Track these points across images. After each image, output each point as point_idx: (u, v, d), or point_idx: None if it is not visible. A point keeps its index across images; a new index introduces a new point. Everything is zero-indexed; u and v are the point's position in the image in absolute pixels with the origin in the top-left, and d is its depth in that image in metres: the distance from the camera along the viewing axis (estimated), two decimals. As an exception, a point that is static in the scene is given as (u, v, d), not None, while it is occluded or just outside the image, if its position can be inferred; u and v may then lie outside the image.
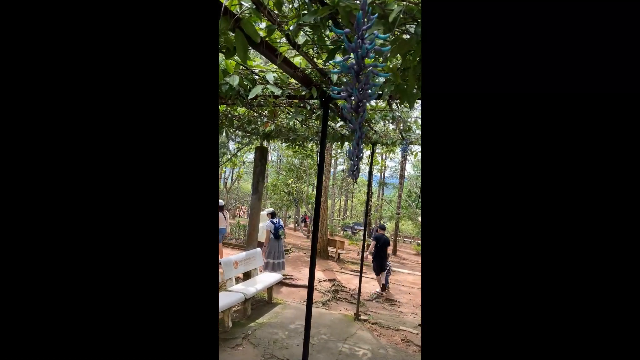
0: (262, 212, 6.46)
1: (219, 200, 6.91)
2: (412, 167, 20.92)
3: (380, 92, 2.11)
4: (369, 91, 0.85)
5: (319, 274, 7.14)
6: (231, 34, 1.60)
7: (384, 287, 6.39)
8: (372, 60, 0.87)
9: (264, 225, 6.24)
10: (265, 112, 3.72)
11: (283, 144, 5.77)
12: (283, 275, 6.06)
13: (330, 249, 9.75)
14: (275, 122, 4.29)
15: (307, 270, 7.42)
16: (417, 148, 5.21)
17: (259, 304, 4.83)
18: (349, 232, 17.63)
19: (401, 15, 1.21)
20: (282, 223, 6.49)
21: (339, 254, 9.59)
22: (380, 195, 20.94)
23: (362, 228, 11.33)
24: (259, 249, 5.31)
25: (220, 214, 6.64)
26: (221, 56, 2.03)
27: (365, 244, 6.09)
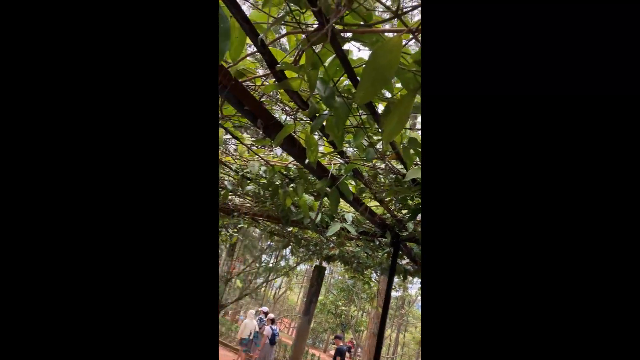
0: (250, 311, 7.60)
1: (264, 308, 7.68)
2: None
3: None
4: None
5: None
6: (328, 189, 1.89)
7: None
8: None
9: (253, 323, 7.45)
10: (334, 238, 3.91)
11: (343, 266, 5.77)
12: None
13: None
14: (341, 248, 4.44)
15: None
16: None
17: None
18: (399, 376, 15.27)
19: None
20: (278, 330, 7.50)
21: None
22: (438, 336, 18.46)
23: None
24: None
25: (252, 321, 7.35)
26: (310, 197, 2.35)
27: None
